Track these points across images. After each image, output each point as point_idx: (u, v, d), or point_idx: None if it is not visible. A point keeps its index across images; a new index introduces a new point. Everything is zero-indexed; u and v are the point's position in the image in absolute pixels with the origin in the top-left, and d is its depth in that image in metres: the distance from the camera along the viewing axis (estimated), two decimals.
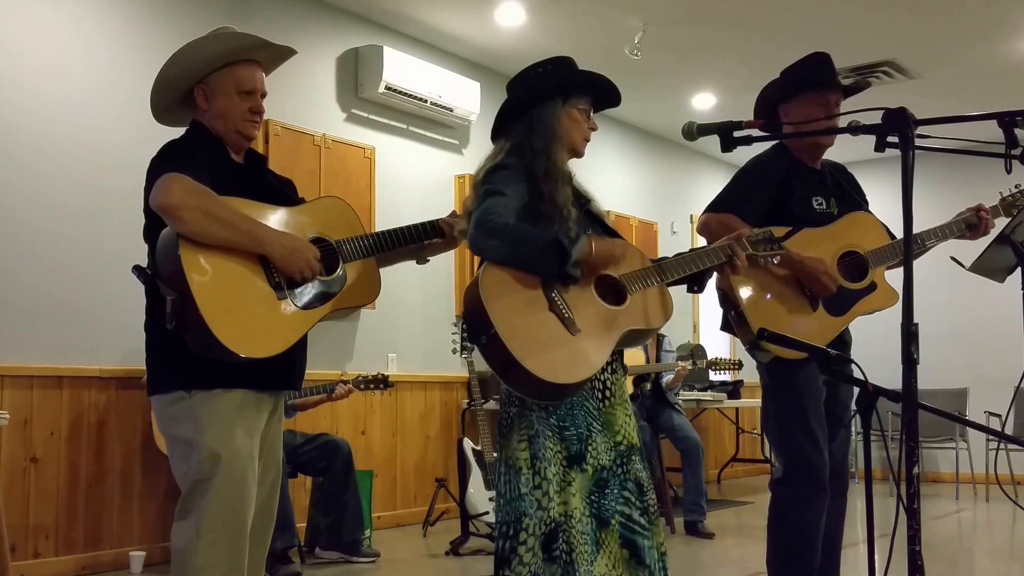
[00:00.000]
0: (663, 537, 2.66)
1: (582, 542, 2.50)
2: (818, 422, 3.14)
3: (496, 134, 2.78)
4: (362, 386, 5.24)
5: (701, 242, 3.44)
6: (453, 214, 2.87)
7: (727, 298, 3.18)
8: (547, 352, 2.45)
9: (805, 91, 3.21)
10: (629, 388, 6.16)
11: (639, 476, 2.63)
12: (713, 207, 3.24)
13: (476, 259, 2.70)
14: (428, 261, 2.89)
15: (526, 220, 2.57)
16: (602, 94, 2.79)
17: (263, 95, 2.64)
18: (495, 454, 2.67)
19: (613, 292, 2.63)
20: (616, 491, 2.58)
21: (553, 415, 2.56)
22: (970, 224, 3.34)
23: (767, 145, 3.36)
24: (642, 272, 2.67)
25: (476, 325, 2.47)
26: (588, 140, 2.77)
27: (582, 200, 2.77)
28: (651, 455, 6.13)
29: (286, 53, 2.73)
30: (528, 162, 2.63)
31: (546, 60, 2.77)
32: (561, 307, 2.51)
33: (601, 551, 2.54)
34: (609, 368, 2.66)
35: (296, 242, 2.47)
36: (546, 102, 2.68)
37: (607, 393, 2.65)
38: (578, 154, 2.76)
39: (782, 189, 3.22)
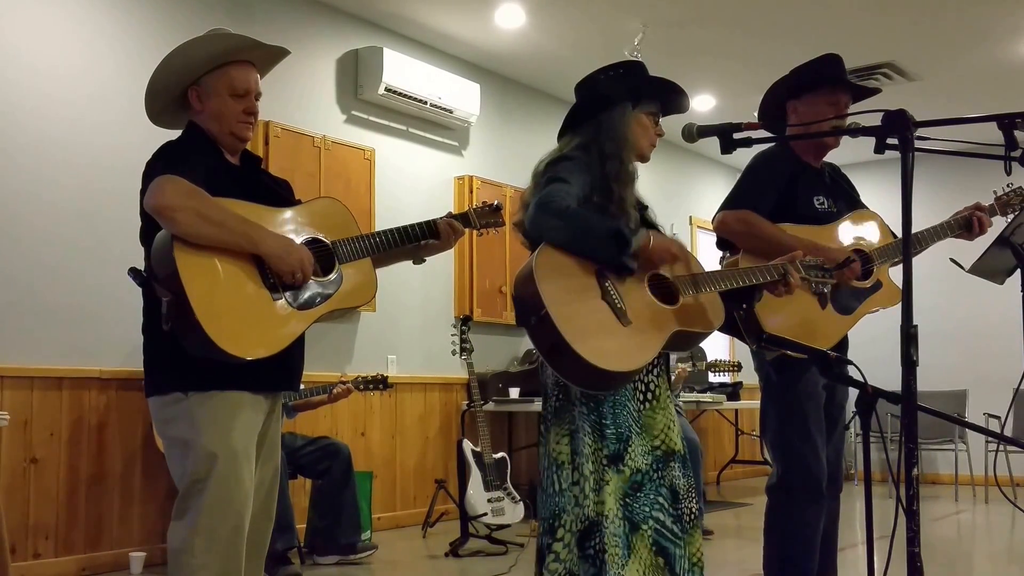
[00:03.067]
0: (699, 547, 2.63)
1: (614, 544, 2.49)
2: (817, 427, 3.12)
3: (563, 133, 2.81)
4: (361, 387, 5.23)
5: (703, 243, 3.43)
6: (449, 215, 2.88)
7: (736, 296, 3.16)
8: (597, 338, 2.43)
9: (817, 89, 3.20)
10: None
11: (675, 483, 2.61)
12: (729, 204, 3.21)
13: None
14: (424, 261, 2.88)
15: None
16: (670, 99, 2.82)
17: (257, 96, 2.63)
18: (540, 449, 2.65)
19: (665, 293, 2.63)
20: (651, 496, 2.56)
21: (594, 412, 2.56)
22: (966, 223, 3.33)
23: (767, 145, 3.35)
24: (696, 276, 2.68)
25: (527, 306, 2.45)
26: (655, 146, 2.81)
27: (639, 206, 2.79)
28: None
29: (280, 54, 2.72)
30: (595, 160, 2.66)
31: (617, 64, 2.79)
32: (614, 297, 2.51)
33: (632, 556, 2.52)
34: (654, 371, 2.66)
35: (290, 243, 2.46)
36: (616, 107, 2.70)
37: (648, 396, 2.64)
38: (644, 159, 2.79)
39: (788, 185, 3.21)
